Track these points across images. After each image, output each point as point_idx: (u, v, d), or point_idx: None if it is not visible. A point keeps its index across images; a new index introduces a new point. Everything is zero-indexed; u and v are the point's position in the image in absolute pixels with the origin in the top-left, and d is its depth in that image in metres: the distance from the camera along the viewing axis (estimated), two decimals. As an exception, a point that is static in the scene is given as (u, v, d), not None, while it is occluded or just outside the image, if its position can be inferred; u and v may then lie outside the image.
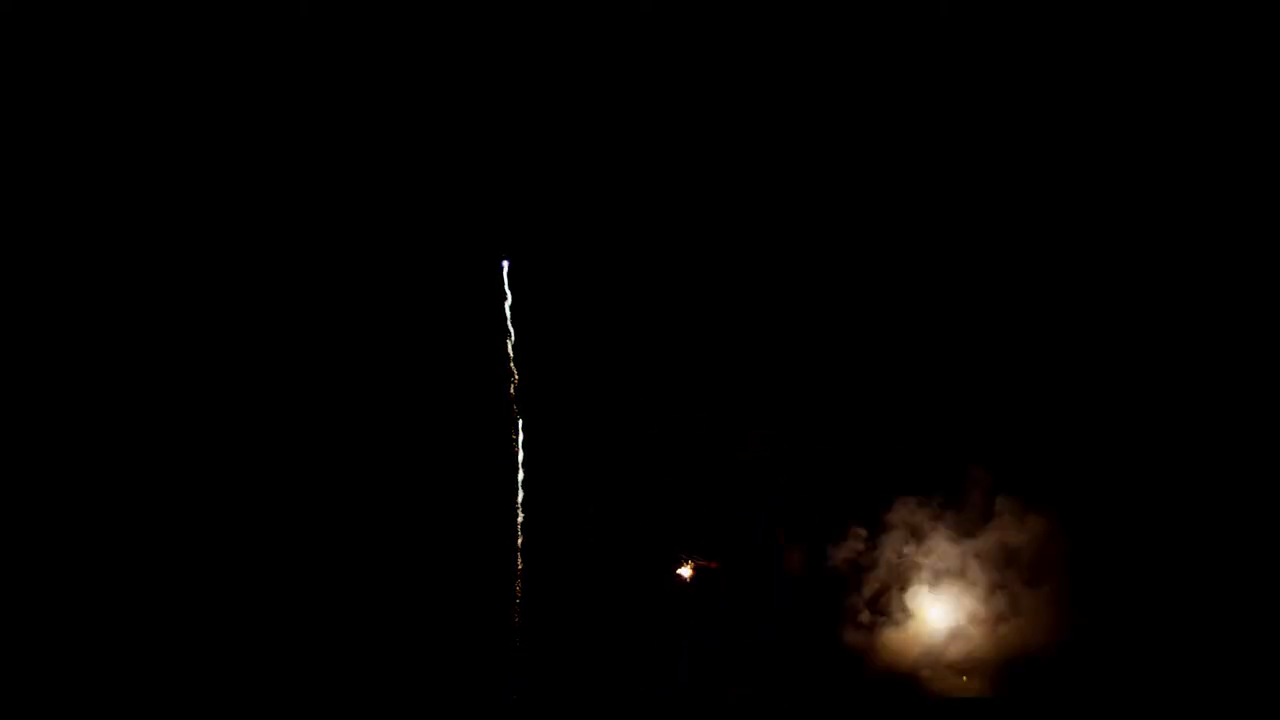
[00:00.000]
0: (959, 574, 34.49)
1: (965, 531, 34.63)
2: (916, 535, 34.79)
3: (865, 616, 34.69)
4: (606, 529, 34.50)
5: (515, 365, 34.09)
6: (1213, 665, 32.21)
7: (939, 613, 34.49)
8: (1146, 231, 34.50)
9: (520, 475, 33.93)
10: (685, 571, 34.58)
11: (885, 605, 34.68)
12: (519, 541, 33.74)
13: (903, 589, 34.69)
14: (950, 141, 35.06)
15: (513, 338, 34.03)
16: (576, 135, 34.95)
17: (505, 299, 33.78)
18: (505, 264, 34.06)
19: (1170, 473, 33.56)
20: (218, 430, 33.37)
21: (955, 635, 34.27)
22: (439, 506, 33.77)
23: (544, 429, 34.27)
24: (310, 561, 33.00)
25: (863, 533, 34.88)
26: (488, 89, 34.47)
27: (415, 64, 34.19)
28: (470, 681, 32.90)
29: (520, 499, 33.85)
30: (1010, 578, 34.29)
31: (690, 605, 34.56)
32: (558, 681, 33.38)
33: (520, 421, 33.94)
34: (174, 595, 32.49)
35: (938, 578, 34.56)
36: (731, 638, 34.45)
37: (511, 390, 34.03)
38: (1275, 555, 32.68)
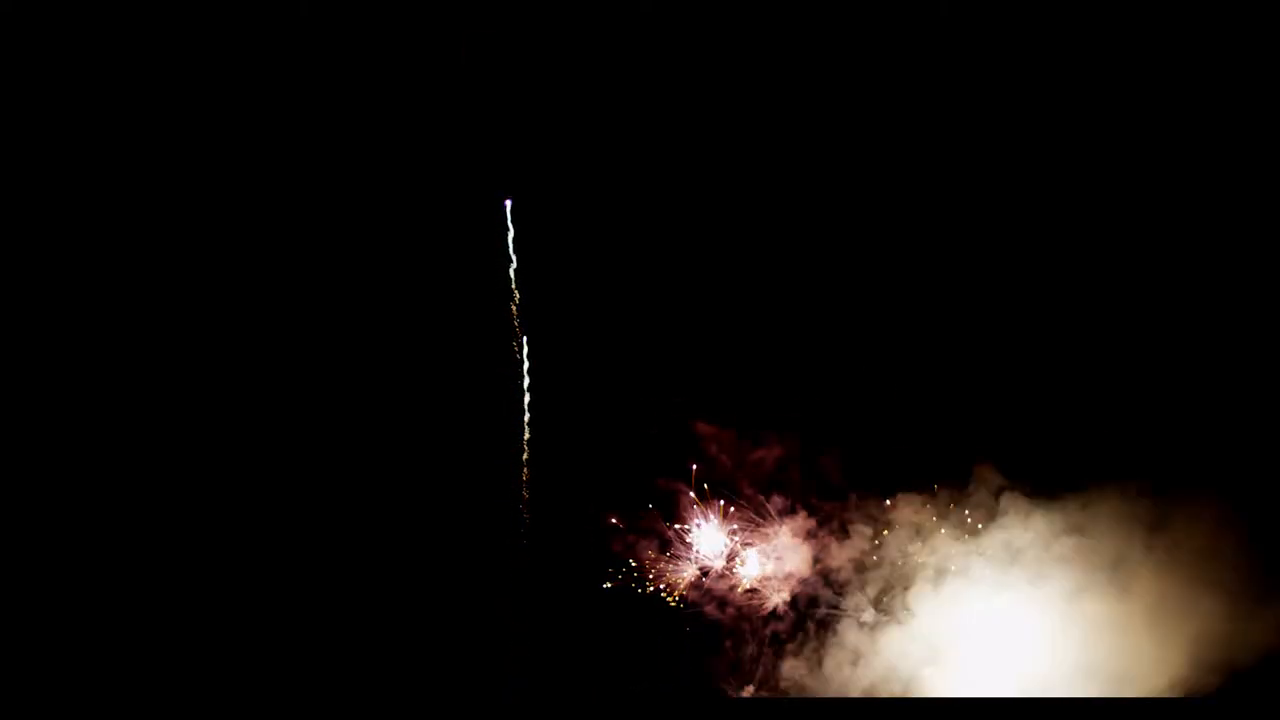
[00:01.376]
0: (962, 572, 34.43)
1: (970, 530, 34.50)
2: (920, 533, 34.73)
3: (869, 615, 34.69)
4: (607, 526, 34.77)
5: (521, 367, 34.46)
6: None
7: (942, 612, 34.45)
8: (1146, 231, 34.31)
9: (524, 474, 34.26)
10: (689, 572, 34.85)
11: (889, 604, 34.64)
12: (521, 541, 34.05)
13: (906, 588, 34.65)
14: (954, 143, 34.97)
15: (520, 339, 34.39)
16: (582, 139, 35.26)
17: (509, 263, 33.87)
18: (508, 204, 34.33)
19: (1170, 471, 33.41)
20: (214, 422, 33.90)
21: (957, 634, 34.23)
22: (441, 505, 34.15)
23: (547, 430, 34.58)
24: (310, 560, 33.47)
25: (866, 531, 34.84)
26: (496, 91, 34.93)
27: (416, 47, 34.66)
28: (470, 681, 33.21)
29: (524, 498, 34.17)
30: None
31: (691, 604, 34.82)
32: (557, 681, 33.63)
33: (526, 419, 34.27)
34: (174, 591, 33.04)
35: (941, 576, 34.52)
36: (731, 637, 34.64)
37: (516, 390, 34.38)
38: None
